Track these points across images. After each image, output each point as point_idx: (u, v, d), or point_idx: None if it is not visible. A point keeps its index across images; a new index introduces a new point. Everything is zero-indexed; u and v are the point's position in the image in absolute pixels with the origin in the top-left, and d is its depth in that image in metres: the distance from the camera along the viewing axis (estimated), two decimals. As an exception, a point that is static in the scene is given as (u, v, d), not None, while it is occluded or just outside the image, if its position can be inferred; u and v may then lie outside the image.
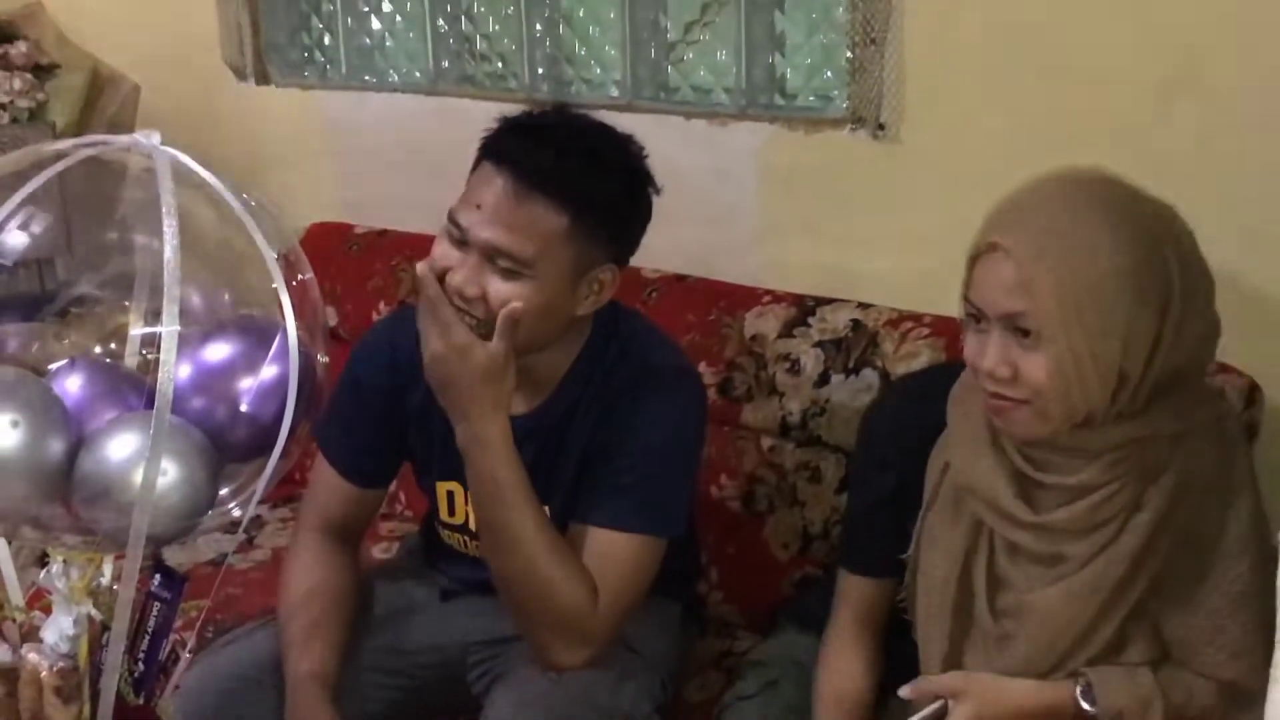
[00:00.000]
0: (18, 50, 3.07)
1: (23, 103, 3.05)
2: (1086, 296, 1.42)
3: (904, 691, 1.56)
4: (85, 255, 1.65)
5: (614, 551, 1.76)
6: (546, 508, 1.79)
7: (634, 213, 1.80)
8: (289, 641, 1.80)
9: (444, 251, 1.71)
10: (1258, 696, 1.44)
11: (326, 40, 2.98)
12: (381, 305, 2.60)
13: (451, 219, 1.71)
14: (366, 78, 2.90)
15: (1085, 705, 1.52)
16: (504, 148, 1.71)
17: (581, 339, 1.84)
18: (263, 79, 2.99)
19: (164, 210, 1.34)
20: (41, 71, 3.11)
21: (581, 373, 1.84)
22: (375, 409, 1.90)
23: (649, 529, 1.78)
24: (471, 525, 1.91)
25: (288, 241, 1.51)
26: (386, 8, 2.89)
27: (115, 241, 1.62)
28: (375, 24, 2.91)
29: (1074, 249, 1.44)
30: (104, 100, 3.20)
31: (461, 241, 1.69)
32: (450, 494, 1.93)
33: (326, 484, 1.93)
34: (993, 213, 1.54)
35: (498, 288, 1.68)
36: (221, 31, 3.00)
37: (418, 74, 2.83)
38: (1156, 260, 1.44)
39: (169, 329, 1.31)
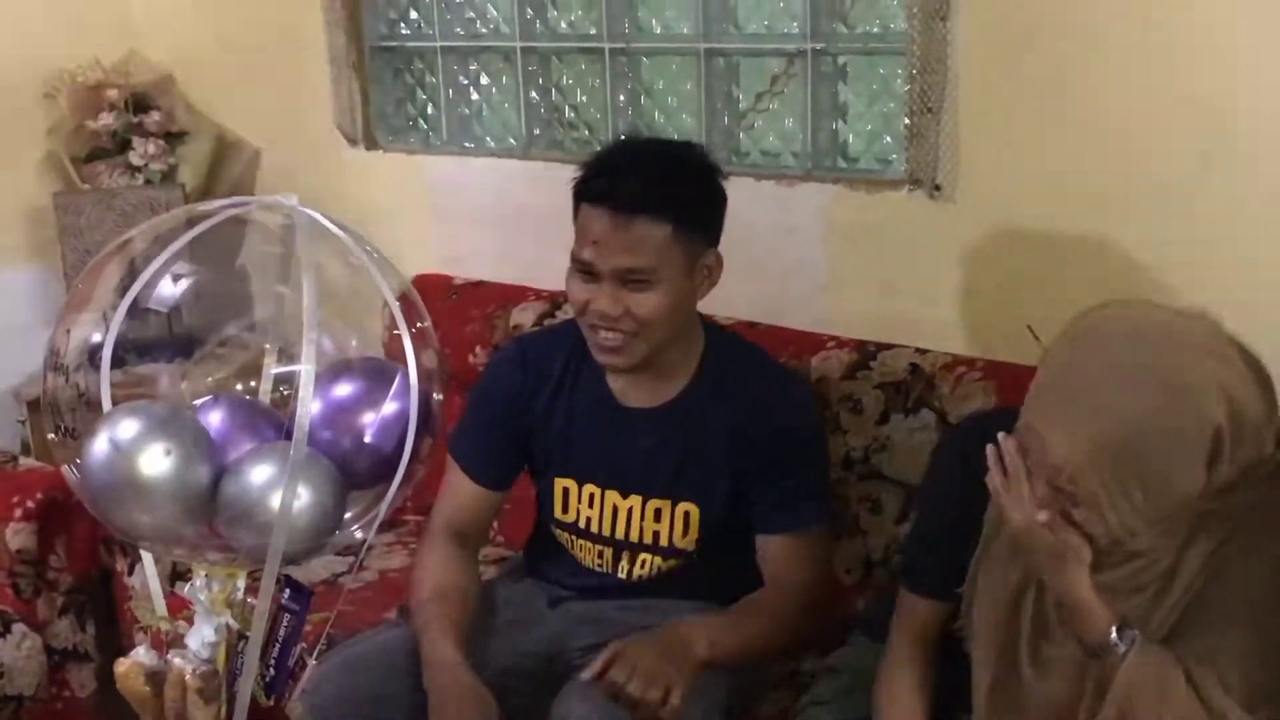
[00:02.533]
0: (152, 119, 3.19)
1: (156, 166, 3.17)
2: (1127, 471, 1.38)
3: None
4: (219, 303, 1.72)
5: (801, 552, 1.90)
6: (687, 504, 1.92)
7: (715, 200, 1.91)
8: (425, 626, 1.85)
9: (578, 287, 1.84)
10: None
11: (429, 110, 3.03)
12: (478, 349, 2.64)
13: (576, 260, 1.83)
14: (465, 144, 2.95)
15: (1115, 636, 1.45)
16: (594, 188, 1.82)
17: (701, 334, 1.95)
18: (371, 144, 3.05)
19: (303, 263, 1.39)
20: (172, 138, 3.22)
21: (708, 363, 1.94)
22: (503, 413, 1.99)
23: (822, 521, 1.94)
24: (581, 523, 1.98)
25: (406, 290, 1.57)
26: (484, 80, 2.94)
27: (249, 291, 1.69)
28: (474, 95, 2.96)
29: (1111, 431, 1.38)
30: (228, 164, 3.30)
31: (590, 274, 1.81)
32: (566, 490, 1.99)
33: (455, 488, 2.01)
34: (1035, 393, 1.47)
35: (636, 300, 1.81)
36: (334, 101, 3.06)
37: (512, 140, 2.88)
38: (1200, 421, 1.37)
39: (306, 368, 1.36)
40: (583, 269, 1.83)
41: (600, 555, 2.00)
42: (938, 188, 2.21)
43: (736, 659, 1.85)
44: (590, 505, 1.98)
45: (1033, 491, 1.44)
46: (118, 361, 1.52)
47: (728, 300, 2.45)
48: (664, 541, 1.95)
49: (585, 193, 1.83)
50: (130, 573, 2.49)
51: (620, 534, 1.97)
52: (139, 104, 3.20)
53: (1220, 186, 1.92)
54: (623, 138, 1.95)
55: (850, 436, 2.18)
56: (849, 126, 2.42)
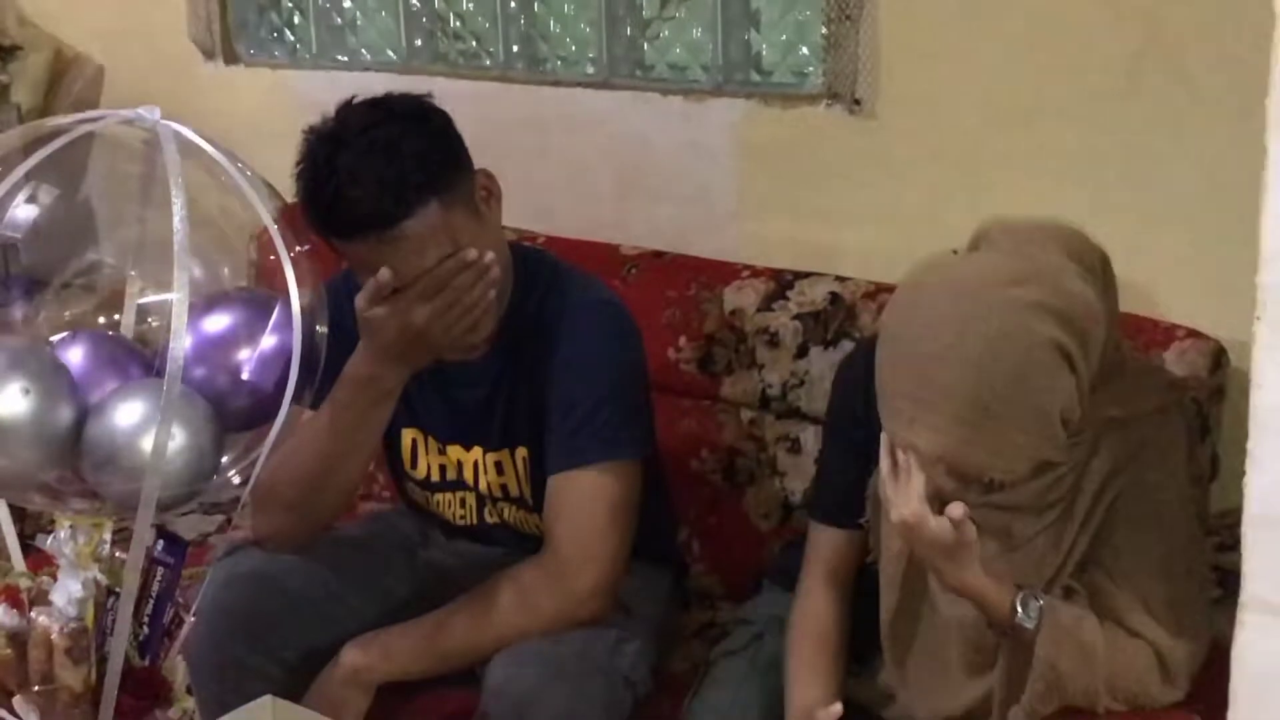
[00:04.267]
0: (-20, 32, 3.16)
1: (-14, 84, 3.14)
2: (998, 427, 1.51)
3: None
4: (63, 235, 1.74)
5: (581, 491, 1.89)
6: (523, 449, 1.97)
7: (442, 139, 1.86)
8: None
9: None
10: (1182, 676, 1.60)
11: (296, 19, 3.06)
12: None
13: (369, 295, 1.80)
14: (338, 57, 2.98)
15: (1021, 613, 1.58)
16: (340, 225, 1.80)
17: (510, 278, 1.96)
18: (231, 58, 3.08)
19: (172, 183, 1.41)
20: (3, 53, 3.19)
21: (519, 309, 1.97)
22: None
23: (608, 455, 1.90)
24: (435, 476, 2.09)
25: (284, 212, 1.60)
26: (358, -15, 2.98)
27: (94, 221, 1.71)
28: (346, 2, 2.99)
29: (961, 408, 1.51)
30: (67, 81, 3.28)
31: (393, 290, 1.80)
32: (414, 441, 2.09)
33: None
34: (884, 401, 1.60)
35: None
36: (188, 10, 3.07)
37: (390, 53, 2.92)
38: (1033, 346, 1.51)
39: (180, 297, 1.39)
40: (382, 293, 1.80)
41: (464, 504, 2.10)
42: (857, 102, 2.29)
43: (442, 660, 1.91)
44: (440, 456, 2.07)
45: (912, 485, 1.55)
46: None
47: (629, 227, 2.56)
48: (514, 492, 2.04)
49: (333, 232, 1.81)
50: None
51: (471, 483, 2.06)
52: (-36, 15, 3.17)
53: (1151, 94, 2.03)
54: (313, 144, 1.85)
55: (766, 372, 2.28)
56: (762, 36, 2.50)
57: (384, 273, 1.78)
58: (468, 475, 2.07)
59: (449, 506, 2.11)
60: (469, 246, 1.82)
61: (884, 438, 1.59)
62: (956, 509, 1.53)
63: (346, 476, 1.97)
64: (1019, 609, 1.58)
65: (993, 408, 1.51)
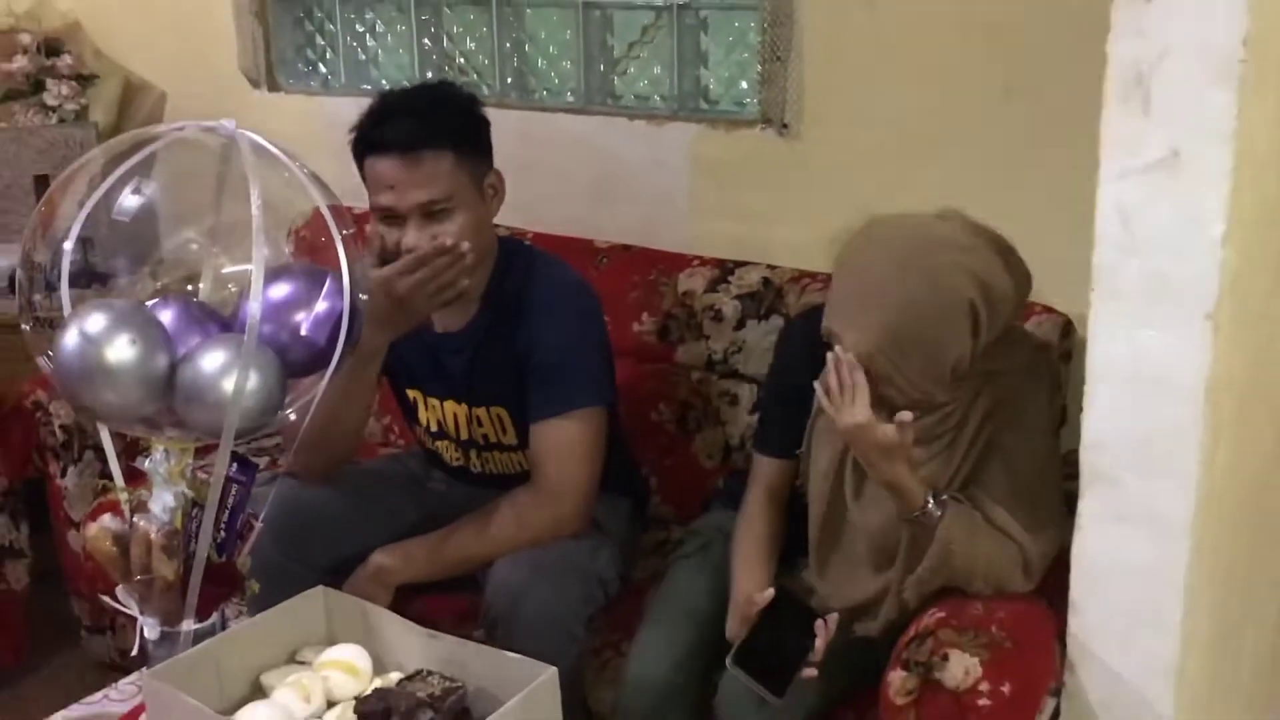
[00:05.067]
0: (64, 62, 3.21)
1: (69, 106, 3.20)
2: (907, 346, 1.64)
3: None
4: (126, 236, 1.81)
5: (559, 434, 1.98)
6: (498, 408, 2.04)
7: (481, 125, 2.00)
8: None
9: (384, 232, 1.92)
10: (1036, 571, 1.70)
11: (328, 54, 3.11)
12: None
13: (377, 208, 1.92)
14: (362, 86, 3.03)
15: (930, 504, 1.67)
16: (375, 137, 1.92)
17: (492, 262, 2.05)
18: (273, 87, 3.12)
19: (250, 178, 1.51)
20: (83, 80, 3.25)
21: (498, 289, 2.05)
22: None
23: (578, 403, 1.99)
24: (434, 427, 2.16)
25: (335, 201, 1.70)
26: (379, 28, 3.03)
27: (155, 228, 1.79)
28: (370, 41, 3.05)
29: (888, 318, 1.64)
30: (135, 105, 3.35)
31: (394, 218, 1.91)
32: (414, 400, 2.17)
33: None
34: (829, 299, 1.73)
35: (442, 230, 1.92)
36: (238, 46, 3.12)
37: (405, 83, 2.91)
38: (956, 299, 1.63)
39: (257, 268, 1.49)
40: (385, 215, 1.92)
41: (458, 450, 2.19)
42: (785, 126, 2.39)
43: (451, 565, 2.00)
44: (438, 410, 2.16)
45: (855, 399, 1.65)
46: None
47: (603, 226, 2.63)
48: (494, 439, 2.14)
49: (367, 144, 1.92)
50: (63, 475, 2.59)
51: (463, 435, 2.15)
52: (50, 48, 3.22)
53: (1018, 118, 2.14)
54: (384, 91, 2.01)
55: (712, 341, 2.37)
56: (710, 73, 2.57)
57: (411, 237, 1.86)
58: (459, 425, 2.15)
59: (445, 451, 2.21)
60: (462, 209, 1.91)
61: (830, 361, 1.67)
62: (906, 415, 1.63)
63: (349, 422, 2.03)
64: (929, 501, 1.68)
65: (908, 332, 1.63)
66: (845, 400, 1.66)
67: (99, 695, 1.75)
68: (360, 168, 1.95)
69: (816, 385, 1.69)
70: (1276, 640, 1.95)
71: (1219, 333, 1.43)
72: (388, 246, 1.93)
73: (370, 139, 1.92)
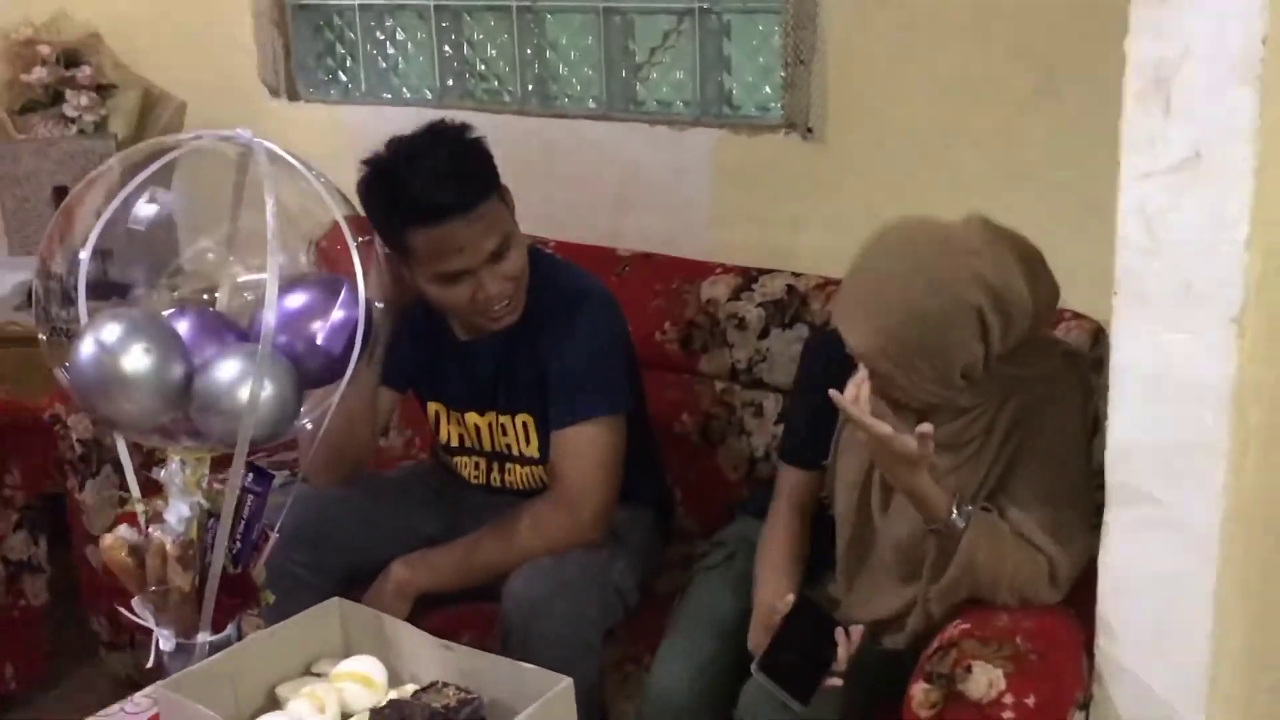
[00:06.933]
0: (83, 73, 3.28)
1: (89, 117, 3.27)
2: (910, 350, 1.66)
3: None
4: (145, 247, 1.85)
5: (581, 441, 2.02)
6: (523, 415, 2.09)
7: (488, 154, 2.01)
8: None
9: (458, 293, 1.97)
10: (1064, 582, 1.71)
11: (348, 63, 3.16)
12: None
13: (447, 275, 1.95)
14: (383, 95, 3.08)
15: (955, 514, 1.69)
16: (426, 210, 1.92)
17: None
18: (293, 96, 3.17)
19: (266, 188, 1.55)
20: (103, 91, 3.31)
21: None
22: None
23: (599, 411, 2.03)
24: (454, 442, 2.20)
25: (352, 211, 1.73)
26: (400, 36, 3.07)
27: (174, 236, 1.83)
28: (390, 49, 3.09)
29: (890, 322, 1.66)
30: (155, 116, 3.39)
31: (466, 274, 1.95)
32: (438, 414, 2.21)
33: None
34: (836, 299, 1.77)
35: (508, 266, 1.99)
36: (258, 55, 3.17)
37: (426, 92, 3.01)
38: (962, 305, 1.64)
39: (272, 278, 1.52)
40: (455, 277, 1.95)
41: (477, 467, 2.22)
42: (810, 130, 2.41)
43: (473, 574, 2.03)
44: (459, 425, 2.20)
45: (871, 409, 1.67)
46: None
47: (624, 233, 2.65)
48: (516, 451, 2.17)
49: (419, 218, 1.92)
50: (82, 489, 2.64)
51: (487, 446, 2.19)
52: (69, 59, 3.28)
53: (1043, 124, 2.16)
54: (387, 161, 1.98)
55: (736, 350, 2.38)
56: (733, 77, 2.60)
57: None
58: (482, 438, 2.18)
59: (464, 468, 2.24)
60: (515, 239, 1.97)
61: (855, 376, 1.71)
62: (926, 427, 1.65)
63: (360, 426, 2.08)
64: (954, 510, 1.70)
65: (909, 335, 1.65)
66: (864, 412, 1.68)
67: (115, 708, 1.78)
68: (399, 239, 1.94)
69: (832, 394, 1.70)
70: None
71: (1245, 337, 1.45)
72: (457, 303, 1.99)
73: (420, 211, 1.92)
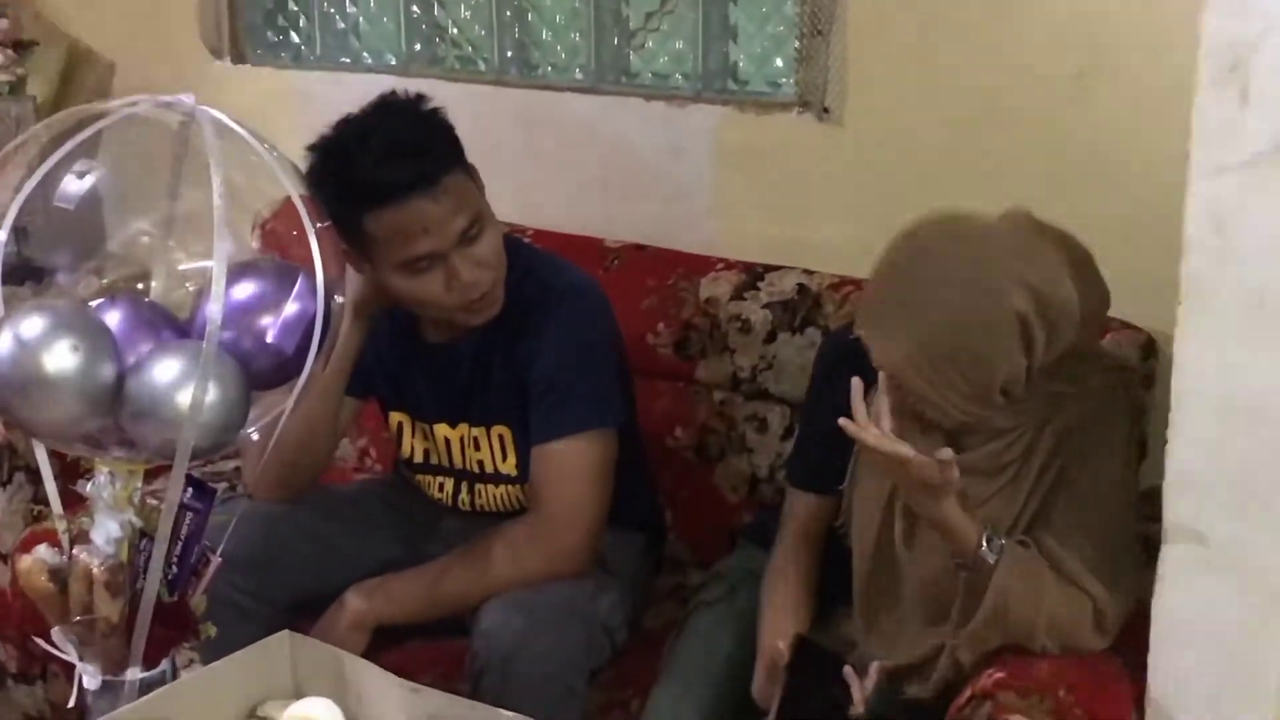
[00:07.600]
0: (-1, 26, 3.24)
1: (4, 77, 3.22)
2: (943, 363, 1.64)
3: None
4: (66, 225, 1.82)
5: (563, 458, 2.00)
6: (500, 427, 2.07)
7: (450, 127, 2.00)
8: None
9: (427, 282, 1.94)
10: (1110, 626, 1.70)
11: (302, 22, 3.12)
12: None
13: (414, 260, 1.92)
14: (341, 59, 3.05)
15: (985, 548, 1.68)
16: (381, 187, 1.89)
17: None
18: (239, 58, 3.13)
19: (213, 163, 1.52)
20: (21, 47, 3.26)
21: None
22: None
23: (587, 424, 2.01)
24: (418, 458, 2.20)
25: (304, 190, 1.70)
26: (361, -8, 3.04)
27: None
28: (350, 7, 3.06)
29: (922, 330, 1.64)
30: (79, 77, 3.36)
31: (435, 258, 1.92)
32: (400, 425, 2.20)
33: None
34: (860, 304, 1.76)
35: (482, 249, 1.95)
36: (198, 11, 3.12)
37: (390, 57, 2.99)
38: (1004, 312, 1.63)
39: (219, 265, 1.49)
40: (424, 263, 1.92)
41: (442, 489, 2.20)
42: (826, 110, 2.39)
43: (438, 606, 2.01)
44: (425, 438, 2.18)
45: (889, 425, 1.65)
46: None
47: (613, 221, 2.64)
48: (490, 469, 2.15)
49: (375, 197, 1.89)
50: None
51: (457, 464, 2.16)
52: (-19, 11, 3.25)
53: (1094, 102, 2.14)
54: (337, 139, 1.96)
55: (738, 356, 2.37)
56: (740, 48, 2.58)
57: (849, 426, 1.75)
58: (452, 453, 2.16)
59: (428, 488, 2.22)
60: (487, 221, 1.95)
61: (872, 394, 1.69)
62: (946, 452, 1.63)
63: (319, 439, 2.07)
64: (984, 543, 1.68)
65: (944, 346, 1.63)
66: (877, 432, 1.66)
67: (26, 753, 1.75)
68: (354, 226, 1.90)
69: (843, 423, 1.67)
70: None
71: (1325, 355, 1.43)
72: (428, 295, 1.96)
73: (376, 190, 1.89)
